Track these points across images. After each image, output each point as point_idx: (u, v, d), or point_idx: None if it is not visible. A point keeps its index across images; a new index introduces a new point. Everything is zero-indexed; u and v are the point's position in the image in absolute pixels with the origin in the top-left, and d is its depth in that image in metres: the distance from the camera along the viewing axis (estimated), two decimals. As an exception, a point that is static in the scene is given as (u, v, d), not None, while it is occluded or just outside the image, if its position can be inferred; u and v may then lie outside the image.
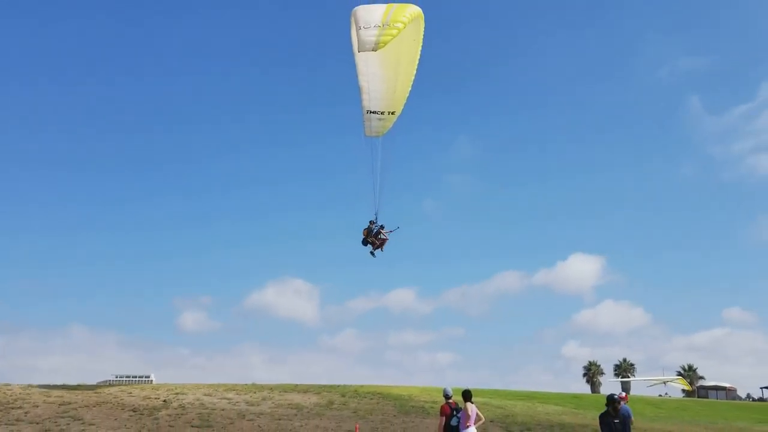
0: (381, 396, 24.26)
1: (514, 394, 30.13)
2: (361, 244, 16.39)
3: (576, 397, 31.94)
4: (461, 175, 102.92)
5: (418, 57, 14.59)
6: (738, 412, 31.42)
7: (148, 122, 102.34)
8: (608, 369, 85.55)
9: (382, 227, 16.34)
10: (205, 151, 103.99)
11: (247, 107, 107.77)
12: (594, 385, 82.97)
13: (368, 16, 13.17)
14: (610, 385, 78.93)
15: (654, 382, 55.27)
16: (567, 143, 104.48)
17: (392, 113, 14.89)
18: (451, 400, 10.58)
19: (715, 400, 49.76)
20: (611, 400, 9.16)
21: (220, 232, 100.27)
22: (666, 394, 53.11)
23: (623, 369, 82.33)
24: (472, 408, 10.34)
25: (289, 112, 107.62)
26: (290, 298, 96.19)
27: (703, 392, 59.92)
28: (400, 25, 12.99)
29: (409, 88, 14.86)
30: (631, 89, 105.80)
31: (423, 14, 14.03)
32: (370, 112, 14.74)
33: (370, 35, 12.85)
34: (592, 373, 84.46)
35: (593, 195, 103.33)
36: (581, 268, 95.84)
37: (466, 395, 10.40)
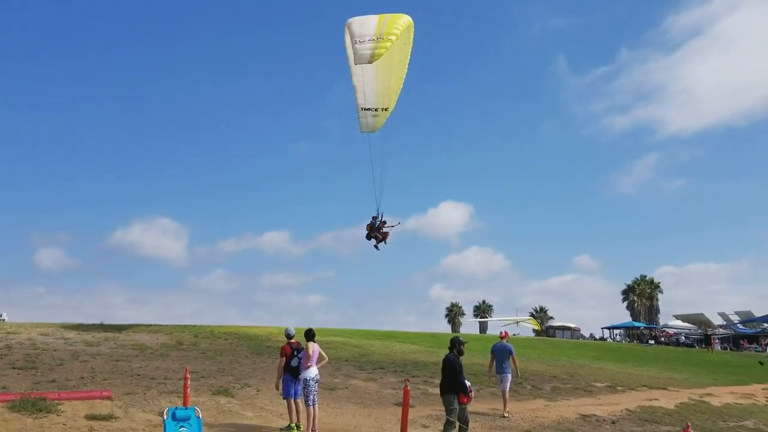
0: (237, 336, 24.02)
1: (375, 334, 31.13)
2: (365, 238, 17.22)
3: (434, 336, 33.59)
4: (339, 118, 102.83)
5: (409, 58, 15.55)
6: (580, 350, 35.47)
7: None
8: (468, 310, 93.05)
9: (384, 222, 17.13)
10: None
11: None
12: (455, 325, 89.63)
13: (362, 29, 14.09)
14: (469, 324, 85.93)
15: (508, 322, 60.80)
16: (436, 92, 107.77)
17: (385, 109, 15.77)
18: (293, 341, 10.35)
19: (561, 339, 56.31)
20: (456, 342, 8.72)
21: (83, 162, 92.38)
22: (518, 333, 58.51)
23: (482, 310, 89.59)
24: (314, 348, 10.13)
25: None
26: (157, 237, 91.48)
27: (551, 332, 67.00)
28: (394, 38, 13.93)
29: (401, 86, 15.72)
30: (504, 46, 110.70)
31: (413, 23, 15.02)
32: (365, 109, 15.59)
33: (365, 49, 13.77)
34: (453, 313, 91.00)
35: (465, 149, 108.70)
36: (450, 216, 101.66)
37: (309, 334, 10.21)
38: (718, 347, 48.85)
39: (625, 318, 71.89)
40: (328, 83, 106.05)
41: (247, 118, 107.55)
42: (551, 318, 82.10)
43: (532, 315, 75.72)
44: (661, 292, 77.40)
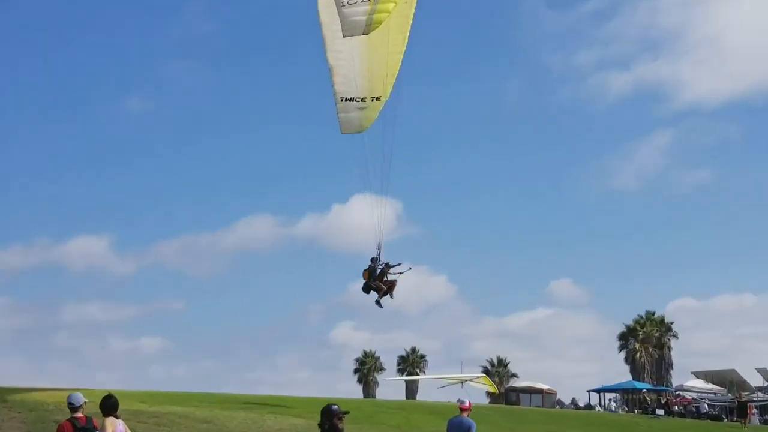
0: (7, 406, 23.74)
1: (240, 400, 31.09)
2: (362, 290, 18.87)
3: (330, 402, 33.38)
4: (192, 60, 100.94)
5: (411, 21, 16.08)
6: (555, 424, 35.85)
7: None
8: (390, 362, 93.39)
9: (387, 265, 18.72)
10: None
11: None
12: (368, 386, 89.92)
13: None
14: (388, 385, 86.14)
15: (449, 382, 60.97)
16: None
17: (377, 99, 16.59)
18: (79, 414, 10.78)
19: (528, 407, 56.83)
20: (329, 413, 8.66)
21: None
22: (461, 400, 58.56)
23: (410, 363, 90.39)
24: (114, 428, 10.44)
25: None
26: None
27: (513, 396, 68.03)
28: None
29: (399, 64, 16.34)
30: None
31: None
32: (347, 100, 16.49)
33: (358, 14, 14.15)
34: (367, 368, 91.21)
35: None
36: (365, 216, 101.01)
37: (106, 406, 10.57)
38: (756, 420, 50.84)
39: (624, 376, 74.16)
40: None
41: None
42: (514, 376, 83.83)
43: (485, 371, 76.62)
44: (676, 336, 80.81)
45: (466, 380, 64.31)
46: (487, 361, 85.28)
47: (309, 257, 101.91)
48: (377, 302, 19.06)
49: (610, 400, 66.33)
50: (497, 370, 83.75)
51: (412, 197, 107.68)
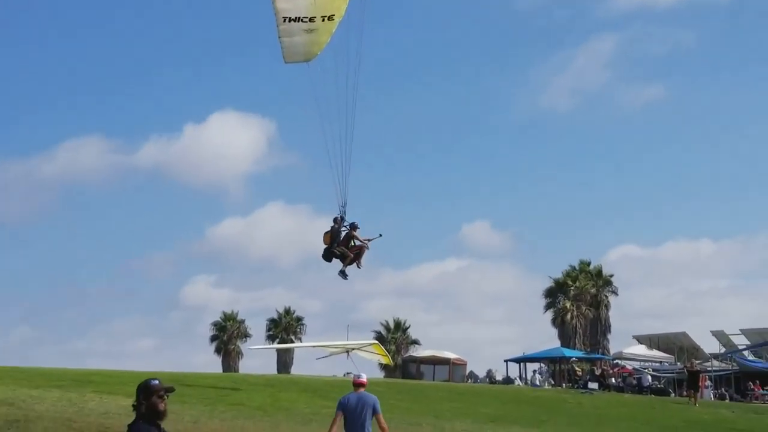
0: None
1: (59, 376, 31.11)
2: (322, 257, 20.13)
3: (184, 377, 33.99)
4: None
5: None
6: (464, 402, 36.47)
7: None
8: (258, 327, 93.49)
9: (353, 227, 19.96)
10: None
11: None
12: (228, 357, 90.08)
13: None
14: (255, 356, 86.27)
15: (331, 351, 61.36)
16: None
17: (329, 18, 17.39)
18: None
19: (431, 381, 57.91)
20: (147, 390, 8.34)
21: None
22: (350, 373, 59.01)
23: (283, 328, 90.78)
24: None
25: None
26: None
27: (412, 368, 69.04)
28: None
29: None
30: None
31: None
32: (290, 20, 17.27)
33: None
34: (227, 335, 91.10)
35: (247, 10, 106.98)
36: (229, 140, 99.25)
37: None
38: (709, 394, 53.50)
39: (551, 341, 76.44)
40: None
41: None
42: (415, 343, 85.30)
43: (379, 338, 77.34)
44: (615, 293, 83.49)
45: (353, 349, 64.75)
46: (382, 324, 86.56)
47: (154, 193, 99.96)
48: (342, 272, 20.14)
49: (534, 371, 67.80)
50: (394, 337, 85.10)
51: (288, 115, 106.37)
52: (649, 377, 57.89)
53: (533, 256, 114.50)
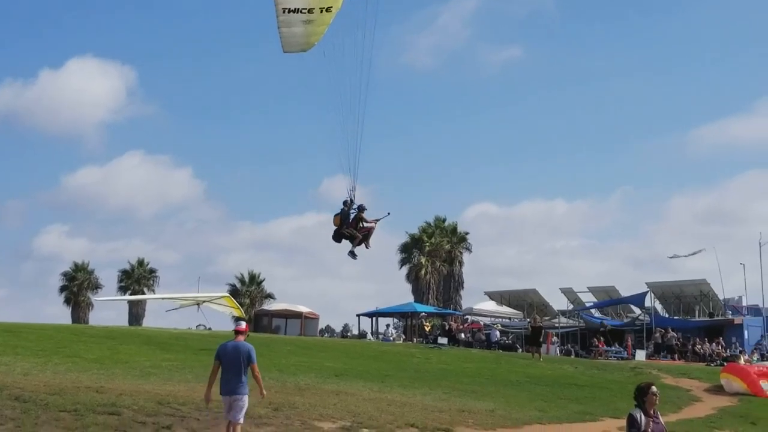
0: None
1: None
2: (332, 239, 21.20)
3: (15, 330, 33.68)
4: None
5: None
6: (305, 356, 36.04)
7: None
8: (111, 279, 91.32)
9: (362, 209, 20.88)
10: None
11: None
12: (78, 308, 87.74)
13: None
14: (107, 308, 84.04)
15: (181, 303, 60.07)
16: None
17: (327, 10, 18.02)
18: None
19: (282, 336, 57.27)
20: None
21: None
22: (201, 326, 57.93)
23: (136, 280, 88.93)
24: None
25: None
26: None
27: (265, 321, 68.19)
28: None
29: None
30: None
31: None
32: (289, 11, 17.84)
33: None
34: (77, 285, 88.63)
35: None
36: (86, 85, 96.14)
37: None
38: (555, 350, 54.41)
39: (407, 297, 76.56)
40: None
41: None
42: (269, 296, 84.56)
43: (233, 291, 76.72)
44: (470, 250, 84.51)
45: (204, 301, 63.67)
46: (237, 278, 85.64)
47: (6, 139, 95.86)
48: (351, 252, 21.11)
49: (387, 326, 68.12)
50: (248, 290, 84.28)
51: (150, 64, 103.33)
52: (498, 333, 58.42)
53: (393, 212, 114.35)
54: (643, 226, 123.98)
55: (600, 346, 54.71)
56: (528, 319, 62.13)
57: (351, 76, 19.40)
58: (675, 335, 54.86)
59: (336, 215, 21.08)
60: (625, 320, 64.17)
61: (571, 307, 68.00)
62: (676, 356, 52.30)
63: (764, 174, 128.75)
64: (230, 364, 15.74)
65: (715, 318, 61.34)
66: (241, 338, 16.03)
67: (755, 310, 65.64)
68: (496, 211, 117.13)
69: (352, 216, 21.03)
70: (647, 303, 60.61)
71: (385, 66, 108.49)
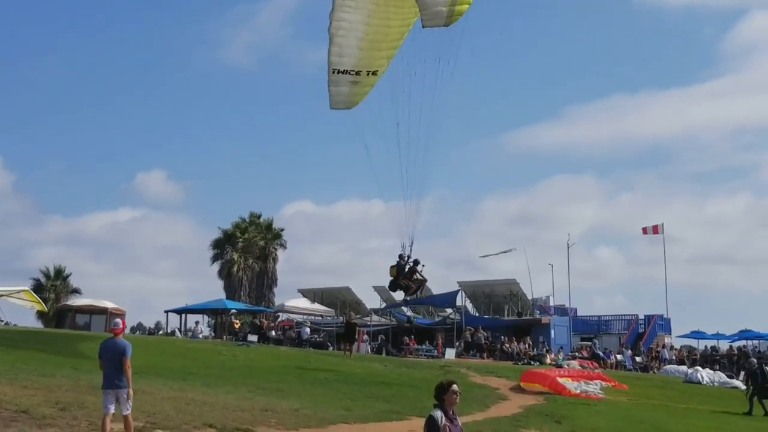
0: None
1: None
2: (388, 288, 25.60)
3: None
4: None
5: None
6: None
7: None
8: None
9: (416, 263, 23.63)
10: None
11: None
12: None
13: None
14: None
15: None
16: None
17: (373, 73, 20.30)
18: None
19: (87, 332, 55.05)
20: None
21: None
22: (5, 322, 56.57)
23: None
24: None
25: None
26: None
27: (67, 317, 65.62)
28: None
29: (403, 39, 20.13)
30: None
31: None
32: (339, 72, 20.09)
33: (439, 4, 17.98)
34: None
35: None
36: None
37: None
38: (367, 348, 54.03)
39: (219, 294, 75.27)
40: None
41: None
42: (75, 291, 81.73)
43: (37, 286, 74.97)
44: (284, 246, 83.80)
45: (2, 295, 61.29)
46: (42, 272, 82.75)
47: None
48: (405, 300, 23.78)
49: (196, 323, 66.71)
50: (54, 284, 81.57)
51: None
52: (308, 330, 57.88)
53: (209, 209, 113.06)
54: (456, 226, 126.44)
55: (411, 344, 54.83)
56: (341, 317, 61.84)
57: (411, 135, 21.25)
58: (484, 334, 55.57)
59: (392, 267, 23.70)
60: (436, 319, 64.61)
61: (383, 305, 68.26)
62: (485, 355, 52.91)
63: (570, 178, 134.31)
64: (110, 361, 16.94)
65: (524, 317, 62.67)
66: (117, 337, 17.22)
67: (562, 310, 67.61)
68: (314, 210, 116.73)
69: (407, 268, 23.60)
70: (458, 302, 61.23)
71: (203, 61, 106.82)
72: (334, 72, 20.03)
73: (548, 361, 49.48)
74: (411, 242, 23.16)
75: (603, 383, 37.98)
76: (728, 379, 45.23)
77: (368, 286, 72.16)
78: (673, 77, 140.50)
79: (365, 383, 32.73)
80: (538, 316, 63.31)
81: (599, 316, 70.27)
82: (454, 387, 11.47)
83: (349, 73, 20.13)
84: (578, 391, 34.46)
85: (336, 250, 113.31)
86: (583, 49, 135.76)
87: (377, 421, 23.53)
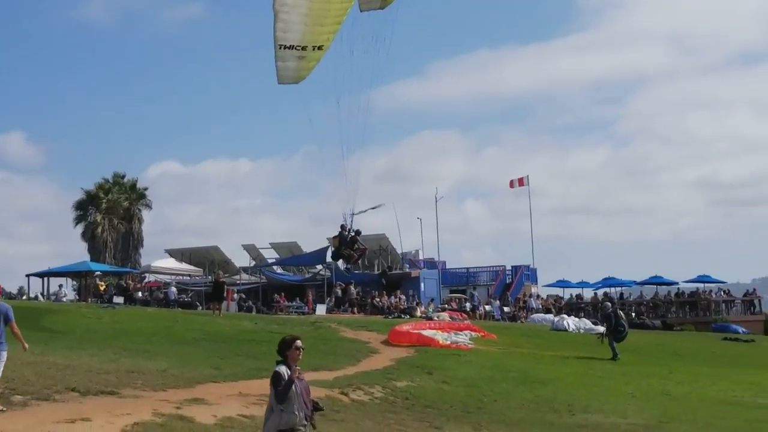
0: None
1: None
2: (332, 258, 31.11)
3: None
4: None
5: None
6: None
7: None
8: None
9: (357, 233, 25.28)
10: None
11: None
12: None
13: None
14: None
15: None
16: None
17: (318, 48, 21.22)
18: None
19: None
20: None
21: None
22: None
23: None
24: None
25: None
26: None
27: None
28: None
29: (347, 14, 21.23)
30: None
31: None
32: (285, 48, 20.96)
33: None
34: None
35: None
36: None
37: None
38: (236, 306, 53.64)
39: (82, 256, 73.55)
40: None
41: None
42: None
43: None
44: (150, 207, 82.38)
45: None
46: None
47: None
48: (347, 269, 24.04)
49: (60, 286, 65.04)
50: None
51: None
52: (175, 290, 57.13)
53: (72, 170, 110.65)
54: (326, 184, 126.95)
55: (282, 301, 54.63)
56: (209, 276, 61.17)
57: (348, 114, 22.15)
58: (355, 289, 55.64)
59: (334, 237, 24.37)
60: (307, 275, 64.53)
61: (253, 263, 67.88)
62: (356, 309, 53.00)
63: (437, 134, 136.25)
64: None
65: (394, 272, 62.97)
66: None
67: (431, 264, 68.36)
68: (180, 169, 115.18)
69: (349, 238, 24.15)
70: (328, 258, 61.28)
71: (60, 19, 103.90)
72: (280, 48, 20.51)
73: (418, 314, 49.84)
74: (351, 213, 23.75)
75: (472, 334, 38.46)
76: (593, 326, 46.22)
77: (237, 245, 71.53)
78: (533, 32, 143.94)
79: (234, 341, 32.42)
80: (408, 270, 63.81)
81: (467, 269, 71.30)
82: (298, 343, 11.45)
83: (295, 49, 20.70)
84: (448, 342, 34.79)
85: (204, 209, 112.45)
86: (445, 5, 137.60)
87: (247, 379, 23.21)
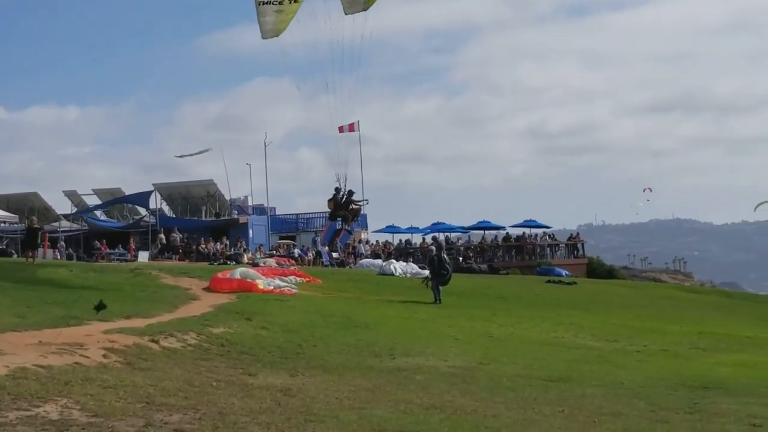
0: None
1: None
2: (328, 219, 32.99)
3: None
4: None
5: None
6: None
7: None
8: None
9: (350, 193, 28.45)
10: None
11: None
12: None
13: None
14: None
15: None
16: None
17: (295, 1, 22.28)
18: None
19: None
20: None
21: None
22: None
23: None
24: None
25: None
26: None
27: None
28: None
29: None
30: None
31: None
32: (263, 3, 22.18)
33: None
34: None
35: None
36: None
37: None
38: (56, 254, 51.50)
39: None
40: None
41: None
42: None
43: None
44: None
45: None
46: None
47: None
48: (345, 229, 24.84)
49: None
50: None
51: None
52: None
53: None
54: (155, 131, 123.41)
55: (103, 248, 52.88)
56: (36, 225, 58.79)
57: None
58: (180, 235, 54.28)
59: (329, 200, 25.89)
60: (131, 222, 62.69)
61: (75, 210, 65.61)
62: (180, 256, 51.66)
63: (270, 82, 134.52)
64: None
65: (222, 218, 61.86)
66: None
67: (261, 210, 67.43)
68: (5, 115, 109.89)
69: (343, 199, 25.45)
70: (153, 204, 59.66)
71: None
72: (260, 4, 21.23)
73: (245, 260, 48.87)
74: (345, 176, 25.25)
75: (298, 279, 37.76)
76: (420, 270, 46.23)
77: (61, 192, 69.05)
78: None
79: (45, 289, 30.81)
80: (236, 216, 62.75)
81: (298, 215, 70.70)
82: None
83: (273, 3, 21.40)
84: (271, 288, 33.90)
85: (29, 157, 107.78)
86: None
87: (53, 327, 21.85)
